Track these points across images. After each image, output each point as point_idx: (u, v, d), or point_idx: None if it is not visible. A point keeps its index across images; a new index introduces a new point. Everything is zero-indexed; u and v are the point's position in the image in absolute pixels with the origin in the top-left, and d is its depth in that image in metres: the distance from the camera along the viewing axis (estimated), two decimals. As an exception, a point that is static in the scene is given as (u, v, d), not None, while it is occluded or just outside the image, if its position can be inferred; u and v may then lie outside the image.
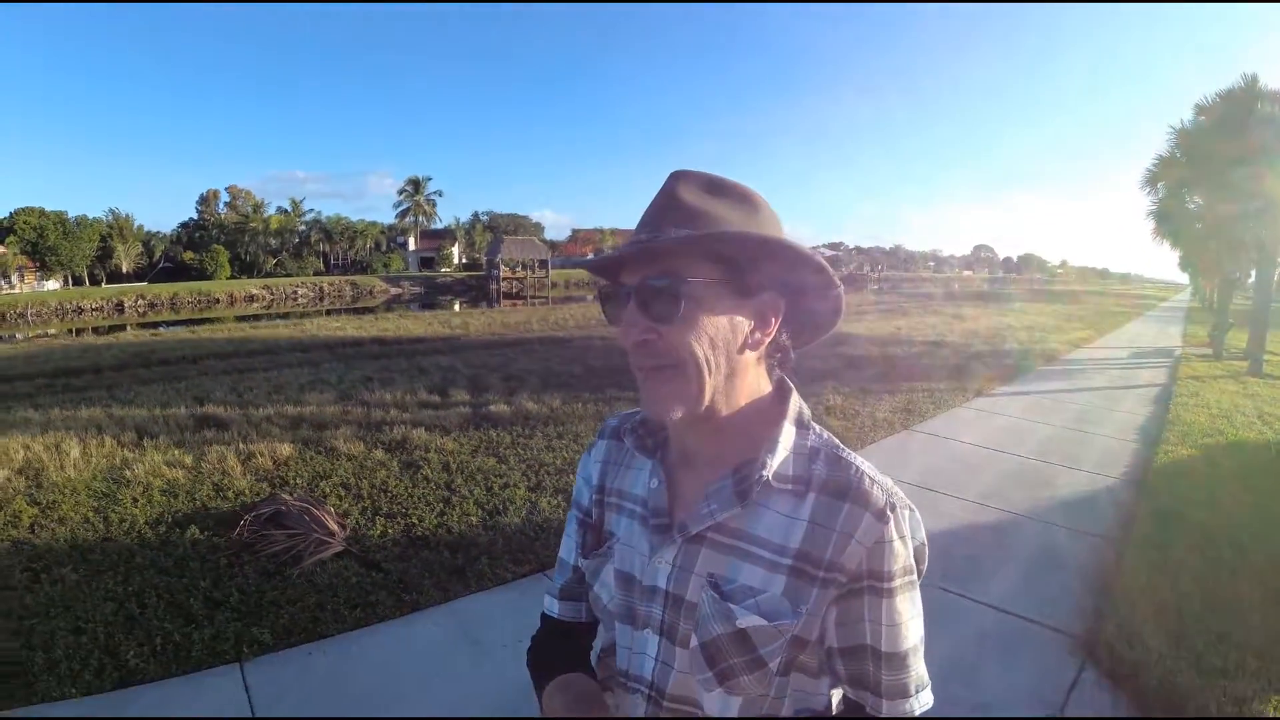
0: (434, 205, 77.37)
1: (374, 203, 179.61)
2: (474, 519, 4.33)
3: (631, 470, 0.98)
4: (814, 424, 0.91)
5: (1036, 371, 11.95)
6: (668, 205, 0.81)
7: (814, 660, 0.87)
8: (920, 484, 5.46)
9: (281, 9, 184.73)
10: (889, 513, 0.82)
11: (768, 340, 0.86)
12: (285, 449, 5.46)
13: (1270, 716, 2.21)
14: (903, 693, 0.85)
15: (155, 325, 25.48)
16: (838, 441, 0.89)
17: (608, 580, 0.94)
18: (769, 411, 0.89)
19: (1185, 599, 3.53)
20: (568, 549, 1.06)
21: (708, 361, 0.81)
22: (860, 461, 0.86)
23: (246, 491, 4.64)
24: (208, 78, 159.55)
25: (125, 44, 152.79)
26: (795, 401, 0.90)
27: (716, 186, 0.83)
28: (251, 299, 47.76)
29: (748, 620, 0.82)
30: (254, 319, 28.73)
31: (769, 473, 0.83)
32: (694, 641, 0.85)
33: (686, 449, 0.91)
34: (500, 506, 4.54)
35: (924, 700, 0.87)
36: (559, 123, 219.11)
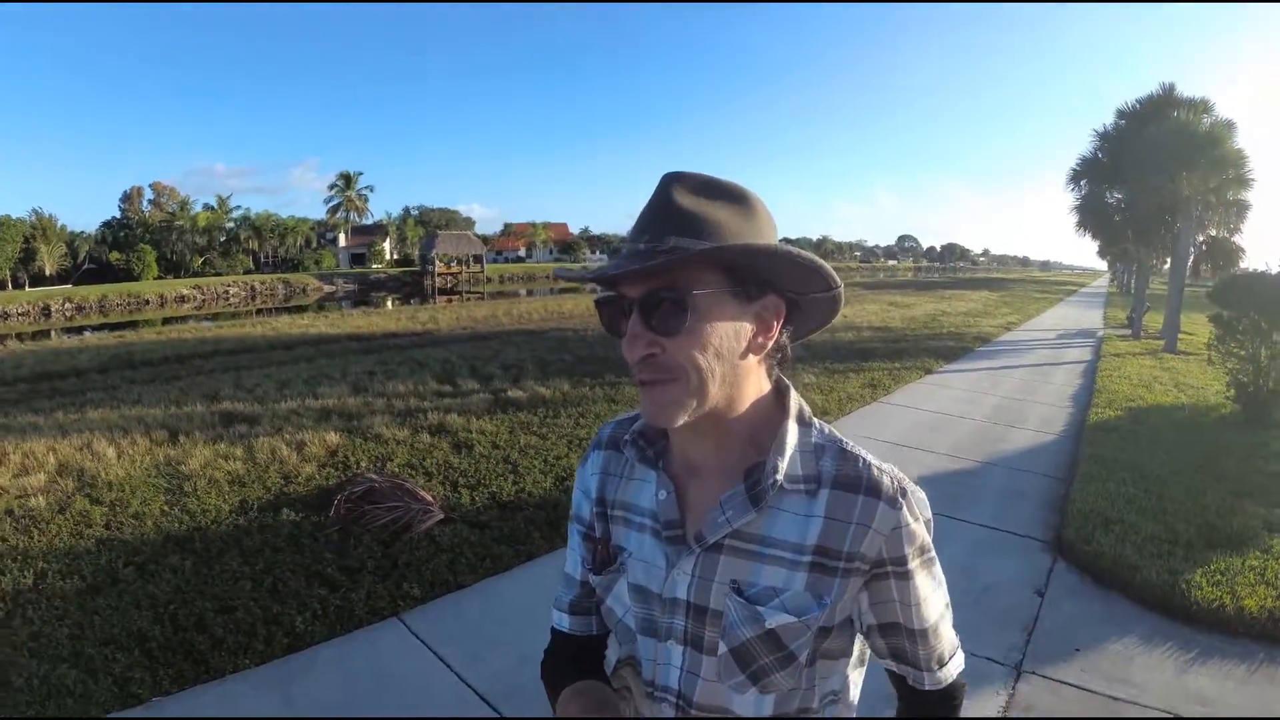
0: (366, 200, 75.80)
1: (297, 197, 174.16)
2: (547, 485, 4.82)
3: (634, 482, 0.98)
4: (814, 419, 0.92)
5: (976, 351, 13.11)
6: (665, 211, 0.80)
7: (836, 644, 0.90)
8: (897, 443, 6.38)
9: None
10: (900, 499, 0.85)
11: (770, 343, 0.87)
12: (333, 437, 5.76)
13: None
14: (938, 662, 0.91)
15: (81, 329, 24.66)
16: (839, 434, 0.91)
17: (621, 595, 0.95)
18: (771, 411, 0.90)
19: (1122, 513, 4.56)
20: (573, 564, 1.06)
21: (711, 371, 0.81)
22: (865, 452, 0.89)
23: (316, 476, 4.94)
24: (124, 68, 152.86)
25: (36, 35, 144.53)
26: (795, 399, 0.92)
27: (711, 187, 0.83)
28: (182, 299, 46.17)
29: (776, 620, 0.84)
30: (194, 319, 28.01)
31: (781, 475, 0.85)
32: (722, 648, 0.87)
33: (691, 457, 0.92)
34: (564, 474, 5.03)
35: (957, 663, 0.93)
36: (485, 115, 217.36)
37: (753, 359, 0.86)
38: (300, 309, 33.45)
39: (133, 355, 11.91)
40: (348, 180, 74.28)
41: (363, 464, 5.19)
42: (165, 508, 4.42)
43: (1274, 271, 9.58)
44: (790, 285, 0.86)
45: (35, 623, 3.14)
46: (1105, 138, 16.70)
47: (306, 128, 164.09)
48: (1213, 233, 17.01)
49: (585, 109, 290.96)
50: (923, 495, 0.89)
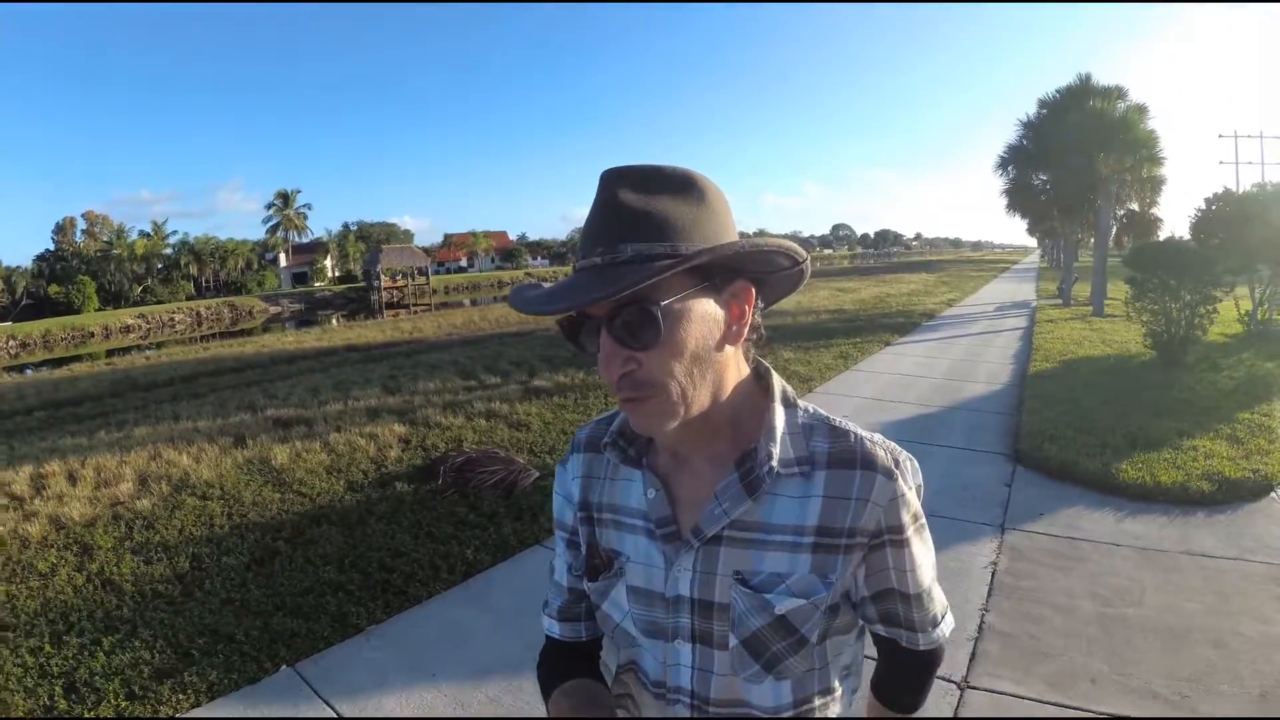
0: (305, 218, 75.00)
1: (226, 220, 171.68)
2: (616, 449, 5.80)
3: (618, 483, 0.96)
4: (799, 400, 0.92)
5: (924, 325, 14.57)
6: (614, 214, 0.77)
7: (844, 620, 0.90)
8: (875, 398, 7.72)
9: (108, 9, 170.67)
10: (895, 469, 0.85)
11: (745, 328, 0.85)
12: (398, 428, 6.51)
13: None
14: (932, 623, 0.94)
15: (22, 367, 24.22)
16: (825, 413, 0.91)
17: (619, 600, 0.94)
18: (755, 396, 0.90)
19: (1063, 432, 5.86)
20: (560, 571, 1.05)
21: (692, 375, 0.80)
22: (854, 426, 0.89)
23: (402, 458, 5.72)
24: (37, 93, 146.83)
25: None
26: (778, 381, 0.91)
27: (655, 179, 0.79)
28: (127, 329, 45.19)
29: (785, 605, 0.84)
30: (147, 348, 27.84)
31: (775, 461, 0.84)
32: (733, 641, 0.86)
33: (678, 451, 0.90)
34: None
35: (948, 623, 0.96)
36: (408, 126, 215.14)
37: (729, 348, 0.84)
38: (245, 332, 33.22)
39: (135, 380, 12.32)
40: (286, 198, 73.33)
41: (439, 445, 6.02)
42: (279, 496, 4.92)
43: (1179, 238, 11.12)
44: (756, 268, 0.85)
45: (221, 592, 3.64)
46: (1029, 126, 18.37)
47: (227, 148, 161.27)
48: (1132, 206, 18.77)
49: (508, 114, 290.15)
50: (915, 463, 0.89)
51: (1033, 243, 59.70)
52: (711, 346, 0.81)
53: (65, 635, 3.30)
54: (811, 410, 0.91)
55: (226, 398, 9.22)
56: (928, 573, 0.91)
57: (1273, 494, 4.56)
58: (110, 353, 25.41)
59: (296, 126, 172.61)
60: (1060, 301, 19.59)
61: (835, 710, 0.94)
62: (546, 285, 0.81)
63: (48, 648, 3.19)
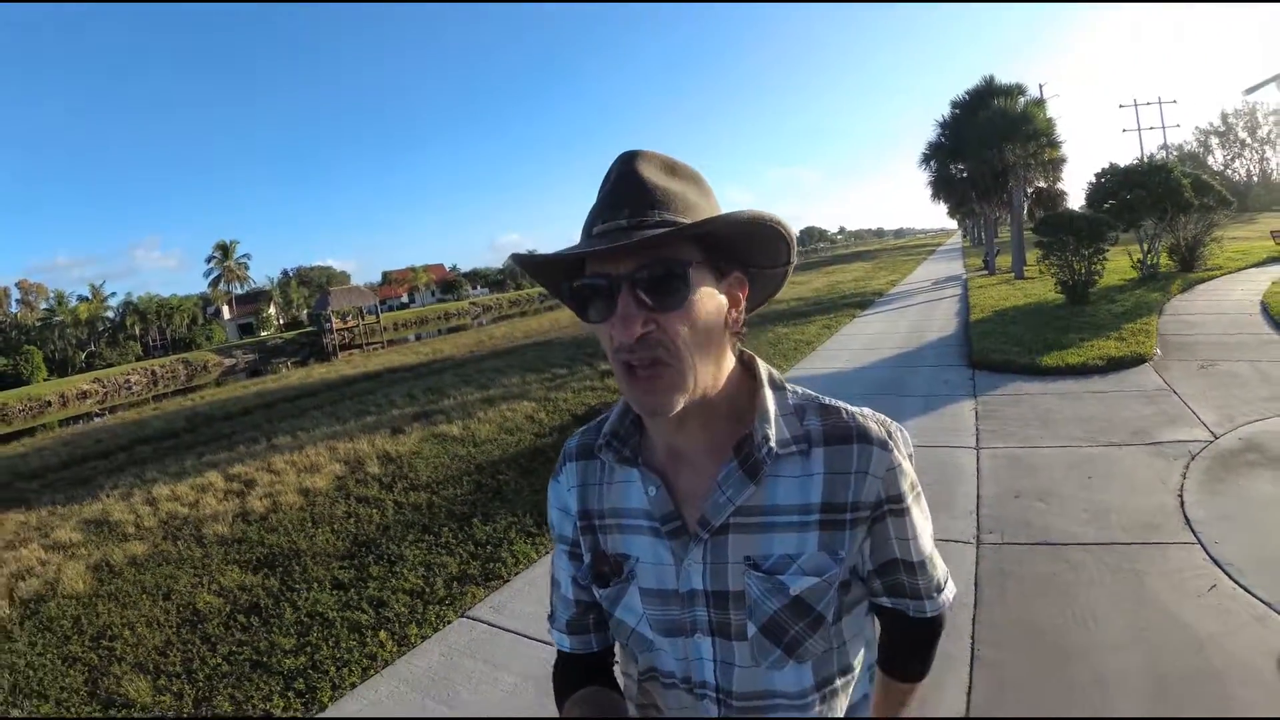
0: (246, 268, 75.27)
1: (149, 279, 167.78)
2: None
3: (616, 485, 0.95)
4: (785, 383, 0.93)
5: (877, 302, 17.58)
6: (638, 186, 0.79)
7: (856, 593, 0.93)
8: (864, 347, 10.42)
9: None
10: (889, 439, 0.88)
11: (742, 318, 0.88)
12: (528, 405, 8.62)
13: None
14: (936, 589, 0.96)
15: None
16: (814, 393, 0.93)
17: (632, 604, 0.94)
18: (745, 384, 0.91)
19: (1002, 347, 8.70)
20: (565, 584, 1.04)
21: (702, 349, 0.81)
22: (842, 403, 0.91)
23: (556, 420, 7.78)
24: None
25: None
26: (764, 367, 0.93)
27: (673, 166, 0.83)
28: (84, 395, 45.19)
29: (800, 585, 0.85)
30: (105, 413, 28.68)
31: (773, 442, 0.85)
32: (751, 629, 0.87)
33: (675, 445, 0.91)
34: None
35: (950, 589, 1.00)
36: (322, 169, 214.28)
37: (727, 335, 0.86)
38: (198, 386, 33.86)
39: (212, 412, 14.11)
40: (225, 250, 73.38)
41: (577, 409, 8.15)
42: (473, 450, 6.76)
43: (1078, 208, 14.19)
44: (755, 260, 0.87)
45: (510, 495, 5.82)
46: (945, 125, 21.59)
47: (137, 205, 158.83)
48: (1040, 184, 22.05)
49: (423, 153, 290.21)
50: (906, 433, 0.93)
51: (953, 225, 64.44)
52: (718, 326, 0.83)
53: (417, 536, 5.27)
54: (800, 391, 0.93)
55: (334, 411, 10.95)
56: (928, 540, 0.94)
57: (1146, 363, 7.26)
58: (64, 421, 25.12)
59: (210, 180, 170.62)
60: (986, 271, 22.78)
61: (855, 687, 0.96)
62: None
63: (421, 539, 5.30)
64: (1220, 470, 4.38)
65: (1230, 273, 15.13)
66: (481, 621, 3.65)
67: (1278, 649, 2.65)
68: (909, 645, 1.02)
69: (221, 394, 18.13)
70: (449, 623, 3.67)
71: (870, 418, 0.89)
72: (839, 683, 0.93)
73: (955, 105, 21.22)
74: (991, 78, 20.57)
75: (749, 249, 0.85)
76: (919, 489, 0.93)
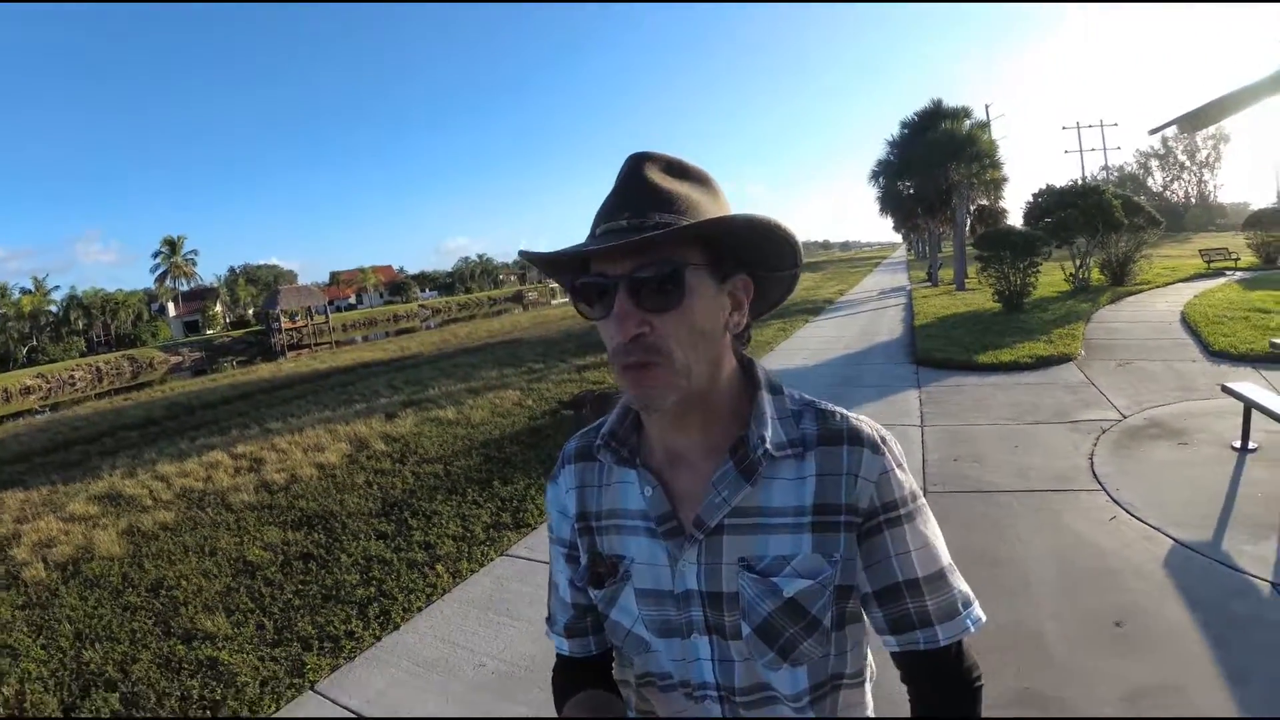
0: (194, 265, 73.81)
1: (88, 273, 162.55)
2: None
3: (614, 487, 0.96)
4: (785, 387, 0.94)
5: (828, 309, 18.73)
6: (641, 189, 0.80)
7: (855, 606, 0.91)
8: (819, 348, 11.43)
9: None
10: (882, 444, 0.87)
11: (744, 322, 0.89)
12: (512, 394, 9.27)
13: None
14: (952, 611, 0.87)
15: None
16: (812, 398, 0.93)
17: (628, 605, 0.94)
18: (743, 387, 0.92)
19: (943, 348, 9.67)
20: (562, 587, 1.05)
21: (697, 349, 0.82)
22: (840, 408, 0.91)
23: (540, 406, 8.46)
24: None
25: None
26: (762, 370, 0.94)
27: (679, 168, 0.84)
28: (28, 391, 43.95)
29: (793, 587, 0.85)
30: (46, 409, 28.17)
31: (769, 444, 0.85)
32: (745, 629, 0.87)
33: (673, 446, 0.91)
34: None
35: (975, 615, 0.89)
36: (265, 166, 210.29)
37: (727, 338, 0.87)
38: (145, 384, 33.12)
39: (190, 402, 14.26)
40: (173, 246, 71.90)
41: (561, 397, 8.82)
42: (467, 432, 7.47)
43: (1016, 225, 15.44)
44: (760, 264, 0.88)
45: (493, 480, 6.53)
46: (894, 144, 22.93)
47: (77, 196, 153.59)
48: (983, 202, 23.48)
49: (371, 154, 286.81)
50: (899, 446, 0.91)
51: (898, 239, 66.73)
52: (717, 329, 0.84)
53: (444, 496, 6.01)
54: (798, 396, 0.93)
55: (318, 400, 11.39)
56: (935, 556, 0.88)
57: (1071, 361, 8.27)
58: (7, 417, 23.88)
59: (151, 175, 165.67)
60: (930, 283, 24.11)
61: (852, 698, 0.95)
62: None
63: (450, 498, 5.94)
64: (1125, 440, 5.32)
65: (1158, 287, 16.46)
66: (520, 558, 4.34)
67: (1161, 556, 3.52)
68: (934, 702, 0.90)
69: (193, 385, 18.17)
70: (492, 560, 4.34)
71: (864, 422, 0.89)
72: (833, 688, 0.92)
73: (905, 125, 22.64)
74: (939, 101, 22.08)
75: (754, 253, 0.86)
76: (921, 502, 0.90)
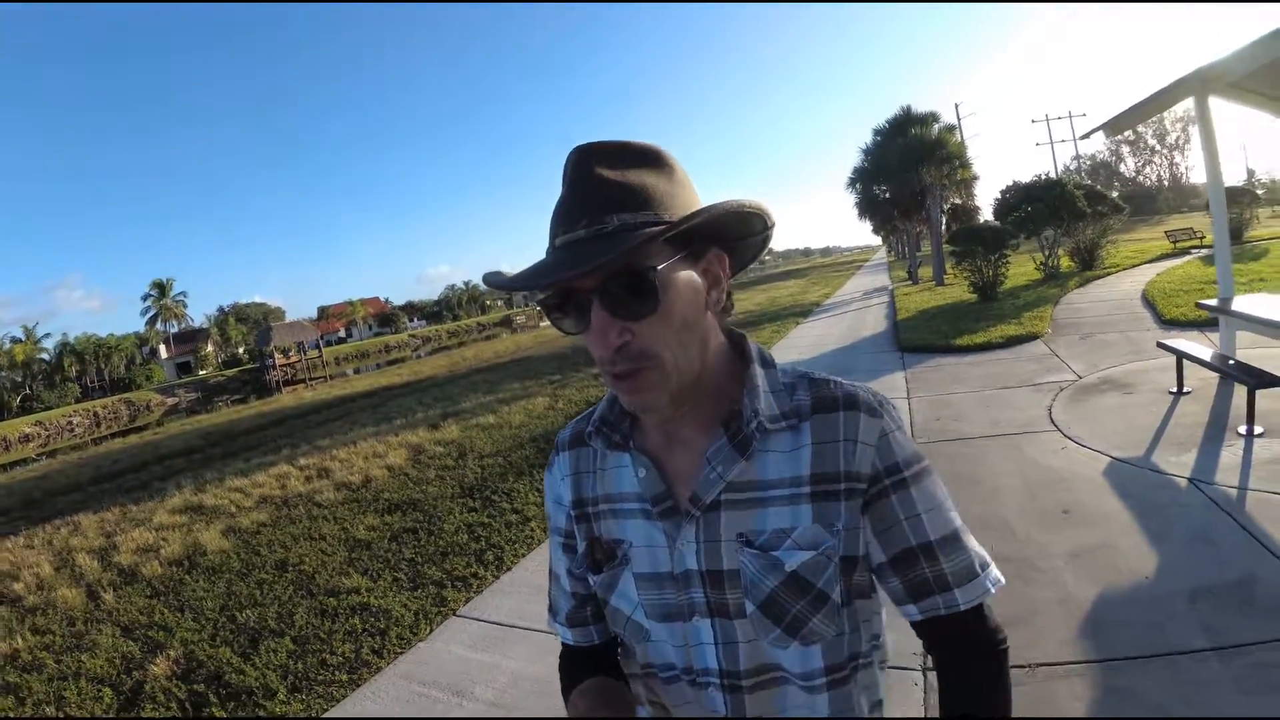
0: (184, 306, 74.39)
1: (72, 320, 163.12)
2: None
3: (609, 471, 0.95)
4: (777, 361, 0.92)
5: (815, 311, 19.88)
6: (593, 188, 0.77)
7: (863, 579, 0.88)
8: (813, 344, 12.42)
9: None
10: (880, 408, 0.85)
11: (724, 297, 0.87)
12: (543, 400, 10.21)
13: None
14: (970, 573, 0.85)
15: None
16: (806, 370, 0.92)
17: (627, 591, 0.93)
18: (734, 362, 0.90)
19: (924, 335, 10.78)
20: (562, 576, 1.04)
21: (683, 344, 0.80)
22: (836, 377, 0.89)
23: (576, 407, 9.37)
24: None
25: None
26: (753, 344, 0.92)
27: (627, 153, 0.80)
28: (27, 439, 44.32)
29: (795, 559, 0.83)
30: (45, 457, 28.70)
31: (762, 417, 0.84)
32: (749, 607, 0.84)
33: (666, 427, 0.89)
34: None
35: (994, 576, 0.87)
36: (244, 208, 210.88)
37: (709, 316, 0.85)
38: (142, 427, 33.74)
39: (228, 430, 15.21)
40: (162, 289, 72.53)
41: (589, 399, 9.78)
42: (513, 432, 8.47)
43: (987, 220, 16.67)
44: (732, 234, 0.87)
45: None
46: (868, 151, 24.24)
47: (54, 242, 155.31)
48: (956, 201, 24.77)
49: (343, 186, 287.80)
50: (897, 410, 0.89)
51: (878, 241, 68.21)
52: (698, 315, 0.82)
53: (516, 478, 6.95)
54: (791, 369, 0.92)
55: (355, 420, 12.27)
56: (945, 517, 0.86)
57: (1038, 339, 9.38)
58: (7, 465, 23.89)
59: (128, 218, 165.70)
60: (911, 282, 25.26)
61: (869, 679, 0.92)
62: (509, 273, 0.81)
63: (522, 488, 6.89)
64: (1079, 394, 6.40)
65: (1125, 269, 17.57)
66: (601, 516, 5.34)
67: (1101, 468, 4.57)
68: (961, 668, 0.88)
69: (218, 419, 19.00)
70: (579, 518, 5.31)
71: (860, 387, 0.88)
72: (849, 670, 0.89)
73: (877, 132, 23.99)
74: (909, 107, 23.44)
75: (722, 228, 0.84)
76: (926, 464, 0.87)
